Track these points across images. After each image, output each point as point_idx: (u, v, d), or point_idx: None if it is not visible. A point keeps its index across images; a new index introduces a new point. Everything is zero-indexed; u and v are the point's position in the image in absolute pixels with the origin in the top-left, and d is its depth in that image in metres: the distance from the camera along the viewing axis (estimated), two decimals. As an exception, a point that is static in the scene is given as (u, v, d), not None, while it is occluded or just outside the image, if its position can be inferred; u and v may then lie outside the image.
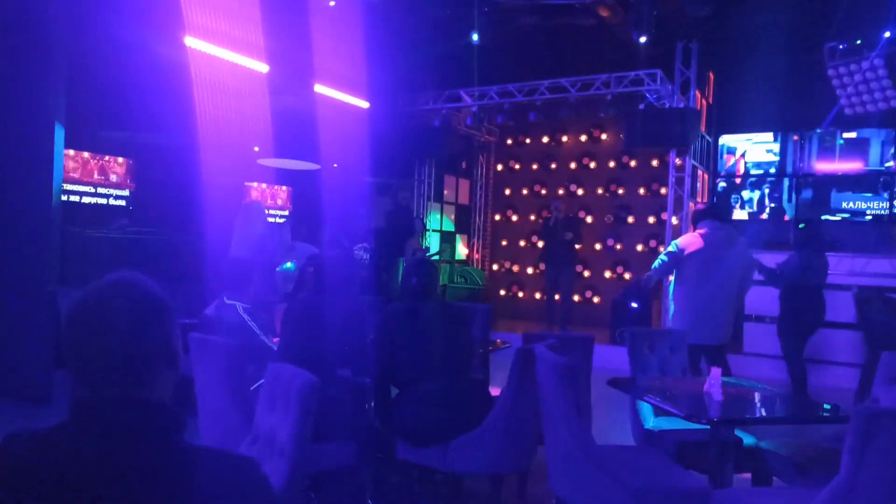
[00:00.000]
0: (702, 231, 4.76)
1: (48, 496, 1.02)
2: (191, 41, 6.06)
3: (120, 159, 6.67)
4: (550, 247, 9.14)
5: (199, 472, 1.10)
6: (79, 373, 1.12)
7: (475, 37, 8.13)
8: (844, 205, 8.90)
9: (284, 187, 9.19)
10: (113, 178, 6.59)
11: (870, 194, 8.72)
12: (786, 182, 9.34)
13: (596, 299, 10.54)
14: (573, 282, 9.37)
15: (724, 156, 9.53)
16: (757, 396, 3.43)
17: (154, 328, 1.15)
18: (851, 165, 8.88)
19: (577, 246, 9.30)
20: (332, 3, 7.32)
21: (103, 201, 6.51)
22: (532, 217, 11.29)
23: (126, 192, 6.75)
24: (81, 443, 1.07)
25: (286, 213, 9.16)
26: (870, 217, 8.62)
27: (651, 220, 10.24)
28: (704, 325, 4.59)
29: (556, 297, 9.32)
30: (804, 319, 5.55)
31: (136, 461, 1.06)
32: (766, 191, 9.50)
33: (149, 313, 1.15)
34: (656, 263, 4.99)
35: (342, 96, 8.19)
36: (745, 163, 9.59)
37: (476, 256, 11.62)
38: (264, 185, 8.72)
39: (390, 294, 6.62)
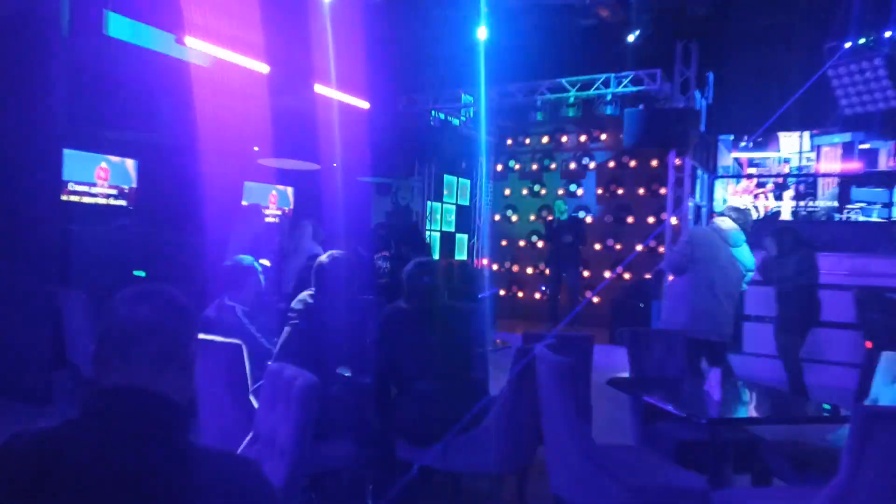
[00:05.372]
0: (704, 228, 4.79)
1: (54, 493, 1.03)
2: (191, 41, 6.06)
3: (120, 159, 6.66)
4: (554, 248, 9.19)
5: (203, 471, 1.11)
6: (100, 359, 1.18)
7: (475, 37, 8.13)
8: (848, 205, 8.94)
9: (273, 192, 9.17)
10: (113, 178, 6.59)
11: (877, 193, 8.75)
12: (791, 182, 9.38)
13: (595, 299, 10.54)
14: (577, 282, 9.37)
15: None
16: (756, 396, 3.44)
17: (175, 327, 1.22)
18: (855, 165, 8.93)
19: (596, 247, 9.39)
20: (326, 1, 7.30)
21: (104, 201, 6.50)
22: (532, 217, 11.30)
23: (127, 192, 6.74)
24: (88, 439, 1.08)
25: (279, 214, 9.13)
26: (877, 219, 8.64)
27: (651, 219, 10.25)
28: (703, 320, 4.58)
29: (562, 297, 9.39)
30: (800, 319, 5.57)
31: (142, 456, 1.07)
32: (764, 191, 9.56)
33: (173, 313, 1.23)
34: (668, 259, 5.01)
35: (342, 97, 8.18)
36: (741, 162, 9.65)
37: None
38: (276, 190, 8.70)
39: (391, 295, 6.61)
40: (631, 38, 7.54)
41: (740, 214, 4.84)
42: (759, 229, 7.71)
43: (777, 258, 5.69)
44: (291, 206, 8.91)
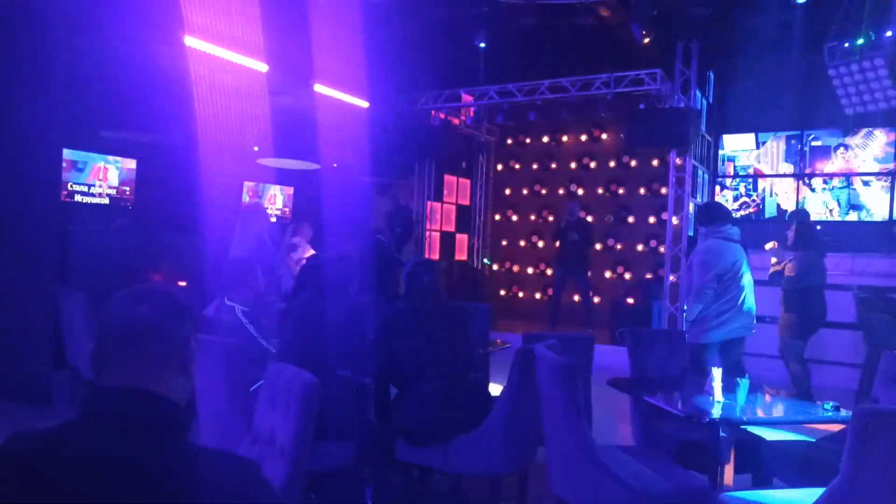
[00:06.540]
0: (721, 235, 4.62)
1: (53, 494, 1.03)
2: (190, 41, 6.06)
3: (119, 159, 6.66)
4: (562, 248, 9.17)
5: (202, 472, 1.11)
6: (99, 359, 1.18)
7: (475, 36, 8.12)
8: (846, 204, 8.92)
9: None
10: (112, 177, 6.58)
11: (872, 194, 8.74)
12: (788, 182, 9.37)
13: (596, 299, 10.53)
14: (585, 283, 9.32)
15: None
16: (757, 396, 3.43)
17: (174, 327, 1.21)
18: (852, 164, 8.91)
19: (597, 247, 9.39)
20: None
21: (103, 201, 6.50)
22: (532, 217, 11.29)
23: (126, 192, 6.73)
24: (87, 439, 1.08)
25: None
26: (877, 217, 8.63)
27: (651, 219, 10.24)
28: (735, 320, 4.48)
29: (576, 298, 9.39)
30: (806, 320, 5.55)
31: (141, 457, 1.07)
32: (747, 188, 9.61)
33: (173, 313, 1.22)
34: (700, 297, 4.69)
35: (342, 96, 8.18)
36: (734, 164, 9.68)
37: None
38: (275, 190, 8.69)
39: (389, 294, 6.60)
40: (646, 40, 7.54)
41: (726, 211, 4.86)
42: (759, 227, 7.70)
43: (793, 251, 5.67)
44: (289, 206, 8.89)
